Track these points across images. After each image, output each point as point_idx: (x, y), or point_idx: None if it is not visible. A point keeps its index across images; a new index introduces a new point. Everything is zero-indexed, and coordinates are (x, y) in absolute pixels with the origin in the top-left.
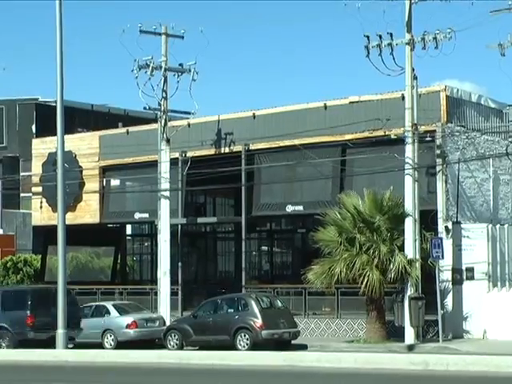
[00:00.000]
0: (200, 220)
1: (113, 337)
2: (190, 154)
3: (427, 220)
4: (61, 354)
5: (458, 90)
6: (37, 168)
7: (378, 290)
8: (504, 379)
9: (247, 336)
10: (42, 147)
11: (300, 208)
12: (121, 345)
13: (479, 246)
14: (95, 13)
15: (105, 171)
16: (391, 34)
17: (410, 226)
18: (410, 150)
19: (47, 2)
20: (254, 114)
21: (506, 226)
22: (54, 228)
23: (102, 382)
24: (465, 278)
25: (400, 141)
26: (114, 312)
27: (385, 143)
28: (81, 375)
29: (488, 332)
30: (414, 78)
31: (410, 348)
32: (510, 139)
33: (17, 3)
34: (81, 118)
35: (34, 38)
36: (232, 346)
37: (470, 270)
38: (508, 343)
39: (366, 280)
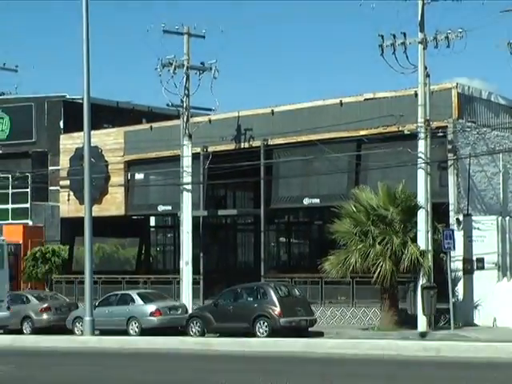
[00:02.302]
0: (221, 212)
1: (137, 324)
2: (211, 149)
3: (439, 212)
4: (88, 341)
5: (468, 87)
6: (64, 162)
7: (390, 279)
8: None
9: (266, 323)
10: (69, 142)
11: (316, 201)
12: (145, 332)
13: (489, 238)
14: (120, 13)
15: (129, 165)
16: (404, 34)
17: (422, 218)
18: (422, 145)
19: (74, 1)
20: (272, 110)
21: None
22: (80, 220)
23: (129, 367)
24: (475, 268)
25: (413, 136)
26: (138, 300)
27: (398, 138)
28: (109, 360)
29: (498, 320)
30: (427, 75)
31: (423, 335)
32: None
33: (45, 3)
34: (106, 115)
35: (61, 37)
36: (251, 333)
37: (481, 260)
38: None
39: (378, 270)
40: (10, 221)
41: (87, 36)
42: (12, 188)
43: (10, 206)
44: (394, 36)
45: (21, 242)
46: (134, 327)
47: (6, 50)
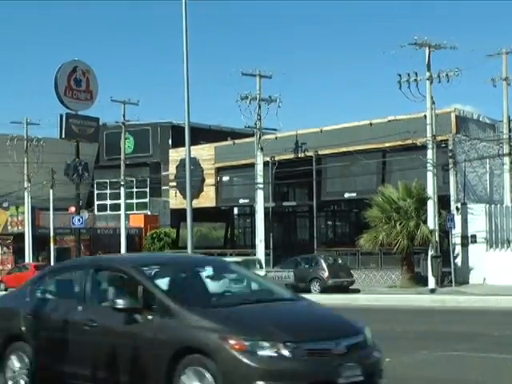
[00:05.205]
0: (284, 203)
1: None
2: (277, 158)
3: (443, 202)
4: None
5: (463, 111)
6: (172, 169)
7: (406, 251)
8: (497, 312)
9: (318, 283)
10: (175, 155)
11: (354, 195)
12: None
13: (480, 220)
14: (210, 58)
15: (219, 171)
16: (416, 73)
17: (431, 206)
18: (430, 154)
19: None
20: (321, 129)
21: (498, 205)
22: (184, 210)
23: None
24: (470, 242)
25: (423, 147)
26: None
27: (413, 149)
28: None
29: (487, 279)
30: (433, 103)
31: (432, 291)
32: (500, 145)
33: (160, 55)
34: (202, 134)
35: (168, 75)
36: (308, 291)
37: (474, 236)
38: (501, 287)
39: (397, 245)
40: (135, 211)
41: (187, 77)
42: (136, 188)
43: (134, 201)
44: (409, 75)
45: (142, 226)
46: None
47: (130, 88)
